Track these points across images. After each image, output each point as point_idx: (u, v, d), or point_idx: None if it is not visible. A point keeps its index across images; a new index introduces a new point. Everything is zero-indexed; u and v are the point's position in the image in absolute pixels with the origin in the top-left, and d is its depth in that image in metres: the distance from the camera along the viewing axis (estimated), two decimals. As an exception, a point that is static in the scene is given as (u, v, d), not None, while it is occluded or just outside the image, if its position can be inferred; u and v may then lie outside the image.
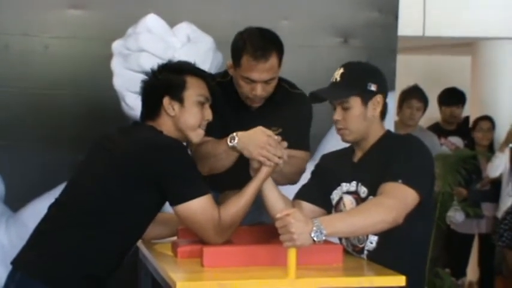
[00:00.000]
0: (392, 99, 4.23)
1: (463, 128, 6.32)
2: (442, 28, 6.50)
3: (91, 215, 2.53)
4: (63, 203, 2.63)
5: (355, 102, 2.65)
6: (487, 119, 6.09)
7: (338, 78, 2.67)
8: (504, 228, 5.62)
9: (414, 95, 5.51)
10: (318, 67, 3.96)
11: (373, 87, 2.67)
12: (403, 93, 5.58)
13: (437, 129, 6.06)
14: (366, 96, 2.66)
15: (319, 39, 4.19)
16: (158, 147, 2.52)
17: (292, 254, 2.29)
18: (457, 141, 6.07)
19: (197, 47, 3.89)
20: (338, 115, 2.67)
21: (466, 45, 7.15)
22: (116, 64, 3.88)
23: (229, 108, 2.95)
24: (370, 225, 2.45)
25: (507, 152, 5.66)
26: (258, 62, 2.89)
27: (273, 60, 2.92)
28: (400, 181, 2.50)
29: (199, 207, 2.51)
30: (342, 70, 2.68)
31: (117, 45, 3.89)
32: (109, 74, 3.87)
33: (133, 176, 2.51)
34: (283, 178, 2.94)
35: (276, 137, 2.71)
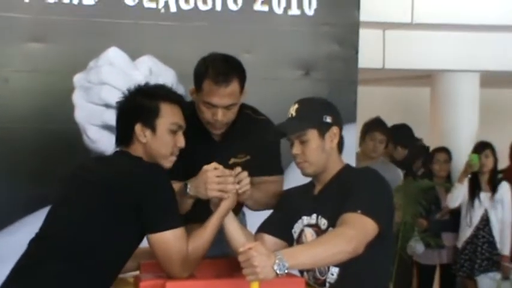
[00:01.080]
0: (354, 131, 4.28)
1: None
2: (401, 60, 6.61)
3: (74, 248, 2.50)
4: (43, 237, 2.60)
5: (312, 134, 2.68)
6: (444, 150, 6.17)
7: (294, 113, 2.71)
8: (464, 259, 5.68)
9: (377, 127, 5.54)
10: (280, 99, 3.97)
11: (328, 119, 2.71)
12: (365, 125, 5.62)
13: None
14: (323, 128, 2.69)
15: (281, 71, 4.23)
16: (139, 175, 2.51)
17: (254, 288, 2.29)
18: None
19: (159, 80, 3.86)
20: (296, 149, 2.69)
21: (425, 77, 7.28)
22: (77, 97, 3.87)
23: (194, 140, 2.94)
24: (330, 255, 2.45)
25: (466, 182, 5.73)
26: (219, 86, 2.90)
27: (234, 85, 2.93)
28: (359, 211, 2.53)
29: (173, 238, 2.50)
30: (296, 105, 2.72)
31: (78, 79, 3.87)
32: (70, 107, 3.85)
33: (116, 206, 2.49)
34: (256, 204, 2.95)
35: (220, 166, 2.69)
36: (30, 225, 3.70)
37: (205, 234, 2.61)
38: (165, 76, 3.93)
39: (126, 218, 2.50)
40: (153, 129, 2.63)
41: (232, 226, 2.75)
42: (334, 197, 2.66)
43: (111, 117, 3.78)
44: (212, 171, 2.69)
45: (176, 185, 2.74)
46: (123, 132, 2.67)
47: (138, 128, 2.63)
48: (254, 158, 2.95)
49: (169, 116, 2.65)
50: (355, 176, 2.71)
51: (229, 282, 2.49)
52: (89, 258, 2.50)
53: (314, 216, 2.71)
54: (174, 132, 2.66)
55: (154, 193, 2.49)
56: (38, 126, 3.85)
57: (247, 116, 3.09)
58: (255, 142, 3.02)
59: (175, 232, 2.50)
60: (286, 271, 2.30)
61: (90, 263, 2.50)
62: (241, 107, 3.06)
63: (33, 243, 2.62)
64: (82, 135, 3.86)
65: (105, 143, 3.84)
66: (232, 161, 2.99)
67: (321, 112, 2.71)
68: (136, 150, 2.64)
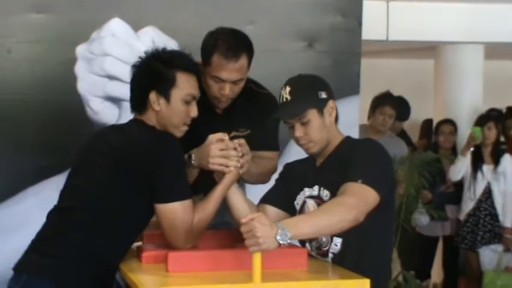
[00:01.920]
0: (357, 103, 4.26)
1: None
2: (405, 32, 6.58)
3: (91, 218, 2.53)
4: (61, 208, 2.62)
5: (312, 114, 2.66)
6: (449, 122, 6.16)
7: (288, 97, 2.67)
8: (466, 231, 5.69)
9: (387, 101, 5.54)
10: (283, 71, 3.94)
11: (324, 95, 2.69)
12: (376, 99, 5.61)
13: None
14: (321, 106, 2.68)
15: (284, 43, 4.21)
16: (153, 145, 2.51)
17: (257, 258, 2.29)
18: None
19: (162, 52, 3.88)
20: (299, 132, 2.67)
21: (429, 49, 7.25)
22: (80, 68, 3.86)
23: (198, 111, 2.93)
24: (332, 224, 2.45)
25: (468, 155, 5.72)
26: (229, 61, 2.89)
27: (243, 60, 2.92)
28: (360, 181, 2.53)
29: (181, 209, 2.51)
30: (288, 88, 2.68)
31: (81, 50, 3.86)
32: (73, 79, 3.84)
33: (130, 175, 2.50)
34: (251, 178, 2.96)
35: (225, 138, 2.69)
36: (35, 196, 3.75)
37: (209, 206, 2.62)
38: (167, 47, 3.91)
39: (140, 186, 2.51)
40: (168, 98, 2.61)
41: (235, 197, 2.75)
42: (336, 168, 2.66)
43: (113, 88, 3.81)
44: (216, 144, 2.68)
45: None
46: (137, 98, 2.66)
47: (152, 95, 2.61)
48: (253, 132, 2.94)
49: (184, 87, 2.63)
50: (356, 147, 2.71)
51: (232, 252, 2.50)
52: (106, 226, 2.53)
53: (316, 187, 2.71)
54: (188, 103, 2.65)
55: (166, 164, 2.50)
56: (41, 97, 3.85)
57: (250, 89, 3.09)
58: (255, 116, 3.01)
59: (183, 204, 2.52)
60: (288, 241, 2.32)
61: (108, 232, 2.53)
62: (246, 81, 3.04)
63: (51, 214, 2.64)
64: (85, 107, 3.86)
65: (107, 114, 3.84)
66: (233, 133, 2.99)
67: (315, 89, 2.68)
68: (150, 118, 2.63)
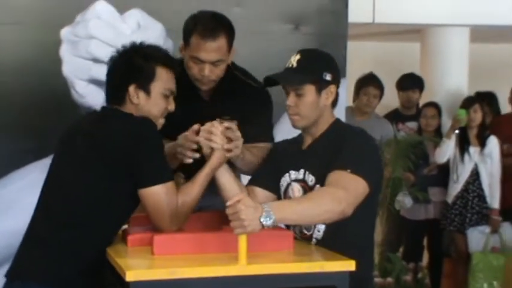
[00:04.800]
0: (344, 86, 4.26)
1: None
2: (391, 15, 6.58)
3: (80, 214, 2.53)
4: (48, 206, 2.61)
5: (309, 90, 2.66)
6: (432, 105, 6.15)
7: (294, 64, 2.68)
8: (455, 213, 5.71)
9: (371, 82, 5.63)
10: (270, 53, 3.96)
11: (328, 77, 2.68)
12: (359, 80, 5.69)
13: (396, 114, 6.13)
14: (321, 85, 2.67)
15: (270, 25, 4.19)
16: (130, 131, 2.51)
17: (243, 241, 2.30)
18: (415, 126, 6.14)
19: (147, 34, 3.83)
20: (291, 101, 2.68)
21: (415, 32, 7.24)
22: (64, 51, 3.82)
23: (182, 99, 2.88)
24: (317, 214, 2.46)
25: (453, 138, 5.73)
26: (206, 41, 2.91)
27: (221, 40, 2.94)
28: (349, 170, 2.52)
29: (164, 192, 2.51)
30: (298, 56, 2.69)
31: (65, 32, 3.82)
32: (57, 62, 3.81)
33: (116, 166, 2.50)
34: (245, 165, 2.94)
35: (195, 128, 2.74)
36: (21, 180, 3.73)
37: (193, 189, 2.62)
38: (153, 30, 3.89)
39: (122, 174, 2.51)
40: (148, 92, 2.63)
41: (224, 178, 2.75)
42: (322, 153, 2.66)
43: (99, 71, 3.77)
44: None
45: (165, 143, 2.75)
46: (116, 91, 2.66)
47: (132, 89, 2.61)
48: (244, 125, 2.94)
49: (164, 81, 2.65)
50: (347, 135, 2.69)
51: (217, 235, 2.51)
52: (94, 220, 2.53)
53: (302, 171, 2.71)
54: (166, 97, 2.67)
55: (145, 149, 2.50)
56: (25, 81, 3.81)
57: (236, 77, 3.09)
58: (245, 109, 3.00)
59: (166, 186, 2.52)
60: (272, 223, 2.31)
61: (96, 225, 2.54)
62: (231, 68, 3.05)
63: (37, 213, 2.63)
64: (70, 90, 3.83)
65: (93, 97, 3.82)
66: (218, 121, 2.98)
67: (322, 68, 2.68)
68: (128, 109, 2.63)
